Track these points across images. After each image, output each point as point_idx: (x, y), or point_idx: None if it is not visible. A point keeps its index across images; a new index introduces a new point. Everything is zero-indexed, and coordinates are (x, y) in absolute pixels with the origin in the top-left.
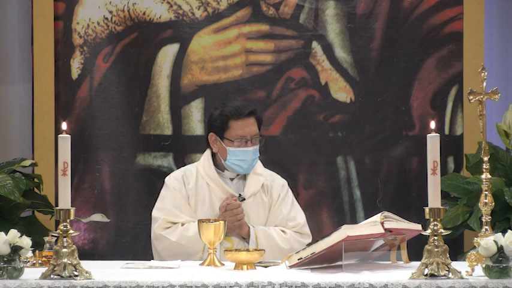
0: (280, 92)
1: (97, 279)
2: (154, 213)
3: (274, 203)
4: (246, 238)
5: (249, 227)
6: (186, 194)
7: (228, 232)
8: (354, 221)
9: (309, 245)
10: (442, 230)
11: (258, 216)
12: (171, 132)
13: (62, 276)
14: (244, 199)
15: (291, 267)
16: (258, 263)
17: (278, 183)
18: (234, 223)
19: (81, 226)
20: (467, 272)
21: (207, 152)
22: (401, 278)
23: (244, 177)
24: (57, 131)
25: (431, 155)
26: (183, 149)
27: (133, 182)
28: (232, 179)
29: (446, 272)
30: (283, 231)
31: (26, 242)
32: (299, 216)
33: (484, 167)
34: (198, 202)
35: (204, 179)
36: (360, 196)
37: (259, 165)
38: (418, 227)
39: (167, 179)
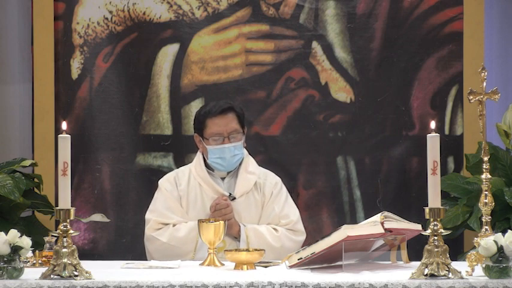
0: (280, 92)
1: (97, 279)
2: (147, 215)
3: (266, 201)
4: (237, 237)
5: (239, 226)
6: (178, 195)
7: None
8: (354, 221)
9: (308, 245)
10: (442, 230)
11: (249, 215)
12: (171, 132)
13: (62, 276)
14: (235, 198)
15: (291, 267)
16: (258, 263)
17: (271, 181)
18: (228, 222)
19: (81, 226)
20: (467, 272)
21: (198, 153)
22: (401, 278)
23: (236, 176)
24: (57, 131)
25: (431, 155)
26: (183, 149)
27: (133, 182)
28: (223, 178)
29: (446, 272)
30: (274, 229)
31: (26, 242)
32: (292, 213)
33: (484, 167)
34: (190, 202)
35: (196, 180)
36: (360, 196)
37: (252, 163)
38: (418, 227)
39: (160, 182)
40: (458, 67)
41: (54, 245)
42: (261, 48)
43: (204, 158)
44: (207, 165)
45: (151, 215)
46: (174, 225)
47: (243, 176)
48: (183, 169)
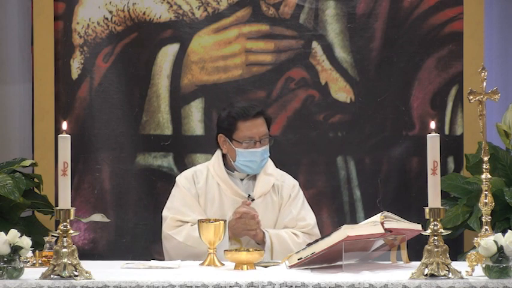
0: (280, 92)
1: (97, 279)
2: (164, 212)
3: (284, 203)
4: (259, 243)
5: (264, 233)
6: (196, 192)
7: (238, 234)
8: (354, 221)
9: (309, 245)
10: (442, 230)
11: (266, 217)
12: (171, 132)
13: (62, 276)
14: (254, 199)
15: (291, 267)
16: (258, 263)
17: (289, 183)
18: (248, 232)
19: (81, 226)
20: (467, 272)
21: (218, 153)
22: (401, 278)
23: (254, 177)
24: (57, 131)
25: (431, 155)
26: (183, 149)
27: (133, 182)
28: (242, 179)
29: (446, 272)
30: (295, 234)
31: (26, 242)
32: (309, 217)
33: (484, 167)
34: (208, 201)
35: (215, 179)
36: (360, 196)
37: (270, 165)
38: (418, 227)
39: (177, 178)
40: (458, 67)
41: (54, 245)
42: (261, 48)
43: (223, 158)
44: (225, 165)
45: (168, 213)
46: (192, 225)
47: (262, 178)
48: (201, 168)
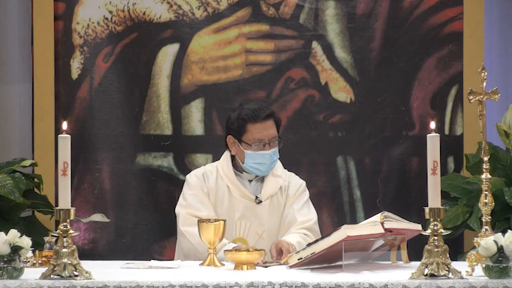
0: (280, 92)
1: (97, 279)
2: (177, 209)
3: (289, 201)
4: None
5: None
6: (207, 191)
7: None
8: (354, 221)
9: (309, 245)
10: (442, 230)
11: (272, 219)
12: (171, 132)
13: (62, 276)
14: (262, 201)
15: (291, 267)
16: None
17: (295, 183)
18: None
19: (81, 226)
20: (467, 272)
21: (226, 153)
22: (401, 278)
23: (262, 178)
24: (57, 131)
25: (431, 155)
26: (183, 149)
27: (133, 182)
28: (250, 181)
29: (446, 272)
30: (306, 234)
31: (26, 242)
32: (311, 213)
33: (484, 167)
34: (218, 200)
35: (223, 180)
36: (360, 196)
37: (279, 166)
38: (418, 227)
39: (188, 177)
40: (458, 67)
41: (54, 245)
42: (261, 48)
43: (231, 159)
44: (233, 166)
45: (181, 209)
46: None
47: (270, 179)
48: (210, 168)
